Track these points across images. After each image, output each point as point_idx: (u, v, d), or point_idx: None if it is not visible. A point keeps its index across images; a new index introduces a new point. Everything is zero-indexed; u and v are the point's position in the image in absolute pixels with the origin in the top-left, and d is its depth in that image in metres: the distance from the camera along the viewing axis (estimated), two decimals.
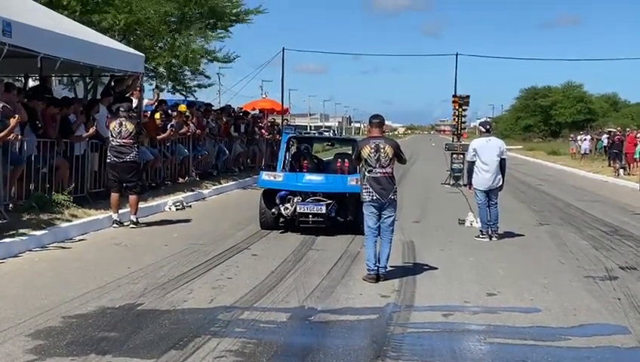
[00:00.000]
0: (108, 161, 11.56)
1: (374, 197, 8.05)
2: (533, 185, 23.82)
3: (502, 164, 11.44)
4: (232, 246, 9.95)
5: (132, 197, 11.54)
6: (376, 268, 8.02)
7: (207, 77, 20.76)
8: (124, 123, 11.39)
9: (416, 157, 40.54)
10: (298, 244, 10.27)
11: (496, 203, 11.49)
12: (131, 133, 11.37)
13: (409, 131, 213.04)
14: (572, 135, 45.08)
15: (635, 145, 28.86)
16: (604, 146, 37.19)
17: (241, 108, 26.56)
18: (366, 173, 8.15)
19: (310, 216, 10.88)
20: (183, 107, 17.80)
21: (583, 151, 40.88)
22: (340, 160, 12.48)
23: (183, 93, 20.22)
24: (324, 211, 10.87)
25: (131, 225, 11.41)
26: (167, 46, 18.15)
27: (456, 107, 22.32)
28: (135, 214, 11.60)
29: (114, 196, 11.46)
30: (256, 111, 27.04)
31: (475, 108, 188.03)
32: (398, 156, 8.29)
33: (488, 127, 11.89)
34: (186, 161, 17.54)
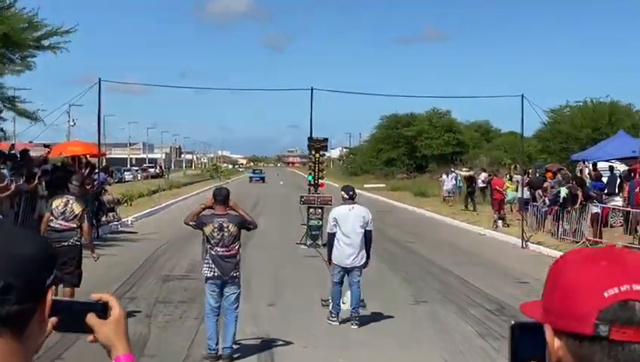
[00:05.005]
0: None
1: (216, 274, 9.21)
2: (403, 242, 24.25)
3: (367, 236, 11.60)
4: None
5: (67, 290, 10.91)
6: (217, 348, 9.10)
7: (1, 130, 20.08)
8: (70, 202, 11.27)
9: (262, 206, 39.10)
10: None
11: (358, 282, 11.56)
12: (77, 216, 11.27)
13: (252, 163, 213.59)
14: (444, 174, 46.21)
15: (502, 190, 29.93)
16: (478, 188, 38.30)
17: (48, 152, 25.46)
18: (208, 249, 9.26)
19: None
20: None
21: (445, 194, 41.80)
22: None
23: None
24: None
25: None
26: None
27: (313, 152, 22.33)
28: None
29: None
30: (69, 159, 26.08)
31: (329, 136, 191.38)
32: (245, 228, 9.51)
33: (352, 193, 11.99)
34: None
